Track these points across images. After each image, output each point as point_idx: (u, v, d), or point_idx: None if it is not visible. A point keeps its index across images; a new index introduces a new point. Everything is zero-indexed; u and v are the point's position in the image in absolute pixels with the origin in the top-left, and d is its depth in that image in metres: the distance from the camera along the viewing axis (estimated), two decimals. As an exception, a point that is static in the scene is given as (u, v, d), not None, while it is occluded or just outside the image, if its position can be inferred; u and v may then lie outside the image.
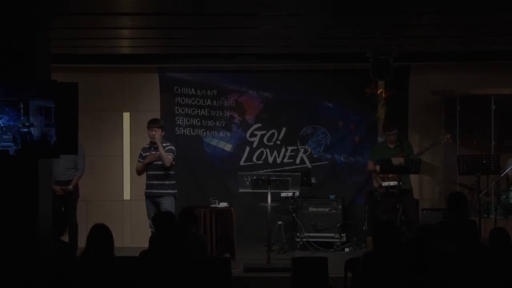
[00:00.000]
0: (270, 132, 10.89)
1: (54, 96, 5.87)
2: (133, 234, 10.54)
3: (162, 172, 9.08)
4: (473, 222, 7.65)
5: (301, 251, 10.10)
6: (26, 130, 5.80)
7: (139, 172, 9.33)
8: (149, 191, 9.14)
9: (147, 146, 9.27)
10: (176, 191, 9.17)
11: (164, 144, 9.18)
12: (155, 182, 9.09)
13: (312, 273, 7.28)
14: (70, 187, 9.27)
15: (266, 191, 8.90)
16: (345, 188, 10.76)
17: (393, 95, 10.74)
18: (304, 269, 7.34)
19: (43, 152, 5.93)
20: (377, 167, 9.82)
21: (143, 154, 9.23)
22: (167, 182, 9.10)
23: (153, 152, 9.11)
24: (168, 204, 8.95)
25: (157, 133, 9.13)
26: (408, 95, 10.74)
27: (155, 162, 9.09)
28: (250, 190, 9.21)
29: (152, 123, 9.26)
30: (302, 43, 9.04)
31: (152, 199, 9.11)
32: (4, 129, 5.79)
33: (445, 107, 10.66)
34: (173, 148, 9.20)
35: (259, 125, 10.89)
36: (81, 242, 6.53)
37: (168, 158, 9.08)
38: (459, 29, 8.07)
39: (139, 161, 9.30)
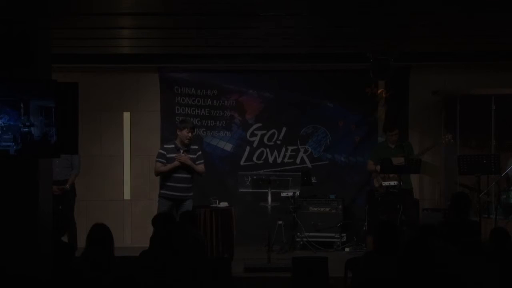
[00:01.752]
0: (270, 132, 10.90)
1: (54, 96, 5.88)
2: (133, 234, 10.53)
3: (189, 175, 8.90)
4: (474, 222, 7.67)
5: (301, 251, 10.10)
6: (27, 130, 5.81)
7: (161, 173, 8.99)
8: (173, 193, 8.87)
9: (171, 146, 9.02)
10: (192, 193, 9.09)
11: (193, 147, 9.05)
12: (180, 185, 8.87)
13: (312, 273, 7.30)
14: (67, 186, 9.26)
15: (266, 191, 8.90)
16: (345, 188, 10.77)
17: (393, 95, 10.75)
18: (304, 269, 7.35)
19: (44, 152, 5.94)
20: (378, 167, 9.82)
21: (167, 155, 8.92)
22: (190, 185, 8.97)
23: (184, 154, 8.85)
24: (190, 207, 8.80)
25: (193, 135, 9.00)
26: (408, 95, 10.74)
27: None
28: (250, 190, 9.21)
29: (188, 123, 9.07)
30: (302, 43, 9.03)
31: (174, 201, 8.87)
32: (4, 129, 5.79)
33: (445, 107, 10.66)
34: (201, 153, 9.12)
35: (259, 125, 10.89)
36: (81, 242, 6.53)
37: (202, 167, 9.00)
38: (459, 29, 8.07)
39: (159, 161, 8.95)
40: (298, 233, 10.26)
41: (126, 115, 10.87)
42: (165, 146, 9.17)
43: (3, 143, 5.82)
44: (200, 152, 9.10)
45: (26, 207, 6.06)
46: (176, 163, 8.86)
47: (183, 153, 8.91)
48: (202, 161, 9.07)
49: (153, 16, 7.23)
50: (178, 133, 9.04)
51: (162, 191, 8.99)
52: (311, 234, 10.27)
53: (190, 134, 8.93)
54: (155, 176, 9.29)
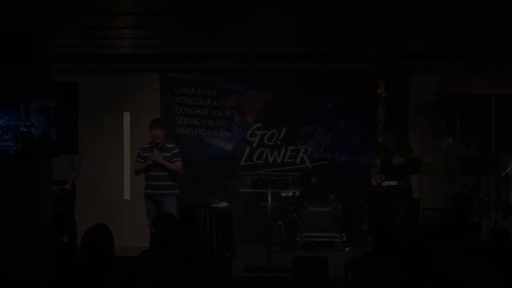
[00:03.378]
0: (270, 132, 10.90)
1: (54, 96, 5.88)
2: (133, 234, 10.53)
3: (165, 173, 9.01)
4: (474, 222, 7.66)
5: (301, 251, 10.09)
6: (27, 130, 5.81)
7: (139, 173, 9.22)
8: (151, 191, 9.04)
9: (147, 145, 9.19)
10: (178, 191, 9.14)
11: (168, 145, 9.14)
12: (158, 183, 8.99)
13: (312, 273, 7.29)
14: (67, 186, 9.26)
15: (266, 191, 8.90)
16: (345, 188, 10.76)
17: (393, 95, 10.74)
18: (304, 269, 7.34)
19: (44, 152, 5.93)
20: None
21: (143, 154, 9.13)
22: (170, 183, 9.03)
23: (156, 153, 9.01)
24: (171, 205, 8.87)
25: (162, 133, 9.09)
26: (408, 95, 10.74)
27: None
28: (250, 190, 9.20)
29: (157, 123, 9.18)
30: (302, 43, 9.03)
31: (154, 199, 9.01)
32: (4, 129, 5.79)
33: (445, 107, 10.67)
34: (178, 151, 9.14)
35: (259, 125, 10.90)
36: (81, 242, 6.51)
37: (178, 165, 9.05)
38: (460, 29, 8.07)
39: (138, 161, 9.19)
40: (298, 233, 10.26)
41: (126, 115, 10.87)
42: (142, 146, 9.28)
43: (3, 143, 5.82)
44: (176, 150, 9.13)
45: (26, 207, 6.06)
46: (148, 161, 9.02)
47: (156, 151, 9.00)
48: (179, 159, 9.10)
49: (153, 16, 7.24)
50: (149, 131, 9.17)
51: (144, 191, 9.15)
52: (311, 234, 10.27)
53: (157, 133, 9.04)
54: (137, 176, 9.40)
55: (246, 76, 10.88)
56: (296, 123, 10.89)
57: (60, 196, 9.10)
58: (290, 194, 10.05)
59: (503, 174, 9.66)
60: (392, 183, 9.67)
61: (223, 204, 9.58)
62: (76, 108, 5.96)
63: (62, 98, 5.91)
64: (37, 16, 6.26)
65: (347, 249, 10.24)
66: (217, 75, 10.85)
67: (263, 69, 10.68)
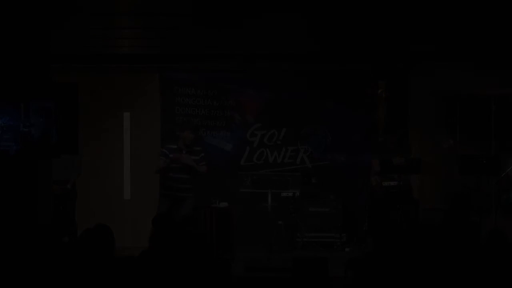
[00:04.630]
0: (270, 132, 10.90)
1: (54, 96, 5.89)
2: (134, 234, 10.51)
3: (188, 176, 9.03)
4: (474, 222, 7.67)
5: (301, 251, 10.09)
6: (27, 130, 5.82)
7: (162, 171, 9.15)
8: (171, 193, 9.03)
9: (175, 147, 9.16)
10: (194, 193, 9.16)
11: (197, 148, 9.17)
12: (179, 185, 9.01)
13: (312, 273, 7.29)
14: (68, 186, 9.27)
15: (267, 191, 8.90)
16: (345, 188, 10.76)
17: (393, 95, 10.74)
18: (304, 269, 7.35)
19: (44, 152, 5.94)
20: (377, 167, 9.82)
21: (170, 155, 9.06)
22: (190, 186, 9.07)
23: (185, 155, 8.99)
24: (188, 206, 8.95)
25: (193, 136, 9.09)
26: (408, 95, 10.74)
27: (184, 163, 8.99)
28: (250, 190, 9.21)
29: (191, 125, 9.26)
30: (302, 43, 9.03)
31: (173, 201, 9.00)
32: (4, 129, 5.80)
33: (445, 107, 10.66)
34: (204, 154, 9.21)
35: (259, 125, 10.90)
36: (81, 242, 6.49)
37: (204, 168, 9.12)
38: (456, 29, 8.07)
39: (161, 159, 9.10)
40: (298, 233, 10.26)
41: (126, 115, 10.85)
42: (168, 145, 9.24)
43: (3, 143, 5.83)
44: (203, 154, 9.18)
45: (26, 207, 6.07)
46: (177, 163, 8.96)
47: (185, 153, 8.97)
48: (205, 162, 9.17)
49: (153, 16, 7.24)
50: (180, 134, 9.14)
51: (162, 191, 9.12)
52: (311, 234, 10.27)
53: (189, 135, 9.03)
54: (156, 174, 9.35)
55: (246, 76, 10.88)
56: (296, 123, 10.89)
57: (61, 196, 9.11)
58: (290, 194, 10.05)
59: (503, 174, 9.66)
60: (392, 183, 9.67)
61: (223, 204, 9.58)
62: (76, 109, 5.98)
63: (62, 98, 5.92)
64: (37, 16, 6.26)
65: (347, 249, 10.24)
66: (217, 75, 10.85)
67: (263, 69, 10.68)
